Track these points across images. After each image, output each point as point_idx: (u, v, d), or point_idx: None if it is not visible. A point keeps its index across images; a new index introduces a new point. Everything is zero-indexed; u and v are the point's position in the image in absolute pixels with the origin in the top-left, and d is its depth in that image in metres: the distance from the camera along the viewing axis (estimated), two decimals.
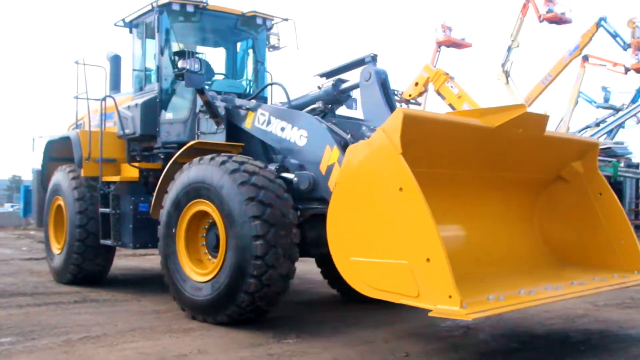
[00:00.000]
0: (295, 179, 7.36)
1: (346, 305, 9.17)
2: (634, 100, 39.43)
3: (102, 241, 9.68)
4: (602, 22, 37.64)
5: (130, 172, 9.52)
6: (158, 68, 9.44)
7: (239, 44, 10.68)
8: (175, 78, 8.61)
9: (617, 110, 37.91)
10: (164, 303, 8.81)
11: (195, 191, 7.38)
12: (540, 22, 39.62)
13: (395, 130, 5.31)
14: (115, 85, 11.15)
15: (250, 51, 10.55)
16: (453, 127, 6.10)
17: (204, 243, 7.69)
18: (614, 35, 38.27)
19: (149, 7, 9.54)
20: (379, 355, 6.21)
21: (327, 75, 8.45)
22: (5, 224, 28.94)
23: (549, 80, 37.25)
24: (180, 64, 8.15)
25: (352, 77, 8.33)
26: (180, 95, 9.40)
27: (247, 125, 8.33)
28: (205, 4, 9.49)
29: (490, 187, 7.12)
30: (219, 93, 9.11)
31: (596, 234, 7.31)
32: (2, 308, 8.42)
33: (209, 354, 6.21)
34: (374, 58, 7.73)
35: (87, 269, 10.08)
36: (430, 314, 5.05)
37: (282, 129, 7.77)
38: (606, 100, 41.17)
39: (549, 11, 39.41)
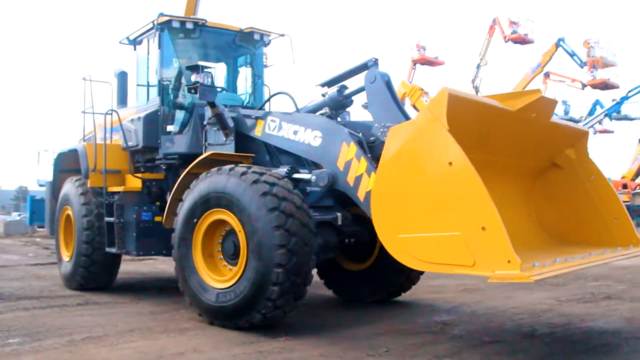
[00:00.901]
0: (313, 177, 7.19)
1: (331, 305, 9.14)
2: (590, 113, 40.16)
3: (108, 249, 9.49)
4: (561, 43, 38.25)
5: (134, 182, 9.42)
6: (159, 82, 9.28)
7: (237, 59, 10.54)
8: (188, 91, 8.46)
9: (576, 122, 38.26)
10: (161, 305, 8.76)
11: (214, 200, 7.11)
12: (506, 42, 40.10)
13: (442, 108, 5.24)
14: (122, 100, 11.03)
15: (249, 66, 10.42)
16: (487, 109, 5.97)
17: (220, 249, 7.42)
18: (572, 55, 38.91)
19: (151, 25, 9.44)
20: (362, 351, 6.17)
21: (329, 83, 8.32)
22: (13, 232, 28.58)
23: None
24: (193, 77, 7.98)
25: (350, 83, 8.30)
26: (179, 108, 9.29)
27: (257, 133, 8.15)
28: (204, 21, 9.41)
29: (497, 172, 6.91)
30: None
31: (591, 215, 7.25)
32: (10, 311, 8.31)
33: (204, 352, 6.16)
34: (376, 62, 7.63)
35: (95, 276, 9.90)
36: (489, 280, 4.99)
37: (295, 132, 7.63)
38: (566, 112, 41.71)
39: (514, 32, 39.96)
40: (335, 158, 7.03)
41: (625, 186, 28.76)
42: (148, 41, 9.71)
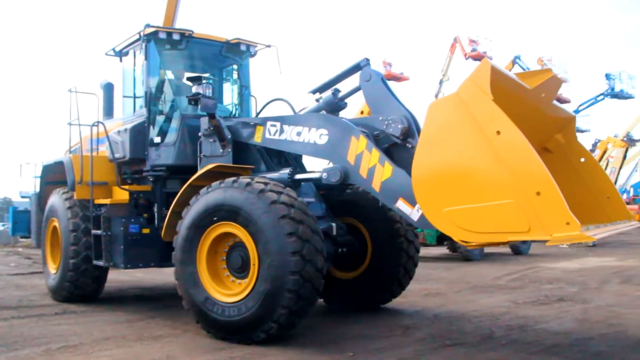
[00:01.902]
0: (324, 174, 6.96)
1: None
2: None
3: (95, 262, 8.98)
4: (517, 60, 38.82)
5: (121, 194, 8.96)
6: (146, 94, 8.86)
7: (223, 70, 10.17)
8: (189, 103, 7.99)
9: None
10: (137, 313, 8.60)
11: (223, 213, 6.71)
12: (466, 59, 40.51)
13: (485, 79, 5.04)
14: (109, 111, 10.55)
15: (235, 76, 10.04)
16: (514, 85, 5.75)
17: (225, 266, 7.01)
18: (527, 71, 39.31)
19: (137, 37, 9.02)
20: (329, 356, 6.13)
21: (321, 89, 8.01)
22: None
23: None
24: (194, 89, 7.62)
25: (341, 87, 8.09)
26: (167, 120, 8.90)
27: (256, 139, 7.83)
28: (191, 32, 8.98)
29: None
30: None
31: (584, 195, 7.05)
32: None
33: (176, 358, 6.06)
34: (368, 61, 7.42)
35: (82, 288, 9.38)
36: (547, 244, 4.89)
37: (298, 134, 7.36)
38: None
39: (473, 50, 40.43)
40: (345, 153, 6.78)
41: None
42: (134, 52, 9.31)
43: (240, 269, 6.80)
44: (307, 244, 6.27)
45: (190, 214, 7.02)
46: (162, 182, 8.84)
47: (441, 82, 40.83)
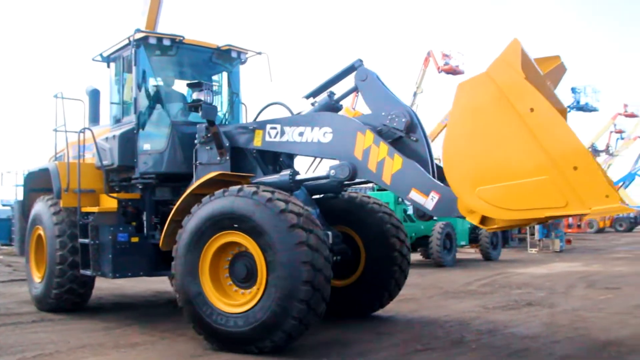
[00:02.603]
0: (332, 171, 6.68)
1: None
2: None
3: (82, 271, 8.49)
4: None
5: (109, 202, 8.45)
6: (135, 100, 8.39)
7: (221, 76, 9.67)
8: (189, 109, 7.76)
9: None
10: (115, 320, 8.41)
11: (227, 222, 6.39)
12: (439, 72, 40.76)
13: (516, 58, 4.91)
14: (95, 118, 10.01)
15: (226, 83, 9.57)
16: (534, 69, 5.55)
17: (228, 275, 6.67)
18: None
19: (126, 42, 8.59)
20: None
21: (315, 93, 7.72)
22: None
23: (448, 120, 38.31)
24: (195, 95, 7.28)
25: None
26: (157, 127, 8.44)
27: (256, 143, 7.51)
28: (181, 38, 8.56)
29: None
30: (197, 124, 8.22)
31: None
32: None
33: None
34: (362, 62, 7.24)
35: (68, 297, 8.87)
36: (587, 217, 4.87)
37: (301, 134, 7.10)
38: None
39: (446, 64, 40.70)
40: (352, 149, 6.57)
41: None
42: (123, 58, 8.89)
43: (244, 279, 6.49)
44: (317, 254, 6.03)
45: (193, 222, 6.66)
46: (151, 189, 8.48)
47: (415, 94, 40.98)
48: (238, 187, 6.48)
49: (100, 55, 9.25)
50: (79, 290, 8.93)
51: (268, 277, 6.10)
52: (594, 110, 41.63)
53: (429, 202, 6.00)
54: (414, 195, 6.11)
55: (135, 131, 8.40)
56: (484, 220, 5.40)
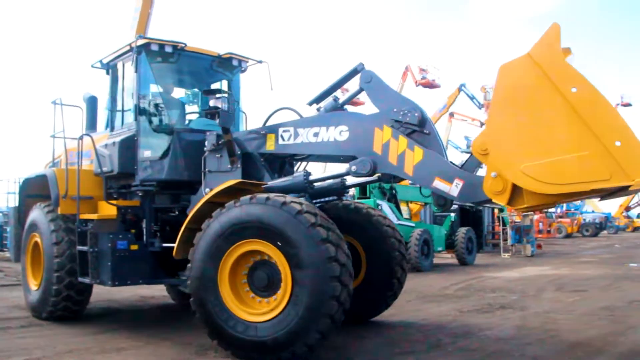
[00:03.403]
0: (354, 167, 6.42)
1: None
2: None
3: (81, 279, 8.08)
4: (463, 87, 39.60)
5: (108, 209, 8.02)
6: (136, 107, 7.99)
7: (214, 85, 9.20)
8: (205, 116, 7.30)
9: None
10: (102, 325, 8.26)
11: (249, 231, 6.09)
12: (417, 86, 41.09)
13: (557, 41, 4.96)
14: (92, 125, 9.62)
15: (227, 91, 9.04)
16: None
17: (246, 281, 6.32)
18: (471, 98, 40.33)
19: (127, 48, 8.20)
20: None
21: (319, 99, 7.40)
22: None
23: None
24: (212, 102, 6.88)
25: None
26: (158, 134, 8.01)
27: (269, 147, 7.21)
28: (183, 45, 8.15)
29: None
30: (198, 131, 8.02)
31: None
32: None
33: None
34: (363, 65, 7.00)
35: (65, 306, 8.39)
36: (631, 189, 4.85)
37: (316, 134, 6.86)
38: (468, 146, 42.87)
39: (423, 78, 41.07)
40: (370, 144, 6.40)
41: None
42: (123, 64, 8.47)
43: (265, 288, 6.20)
44: (345, 269, 5.81)
45: (214, 228, 6.30)
46: (151, 197, 8.09)
47: None
48: (266, 195, 6.18)
49: (100, 62, 8.87)
50: (76, 298, 8.47)
51: (293, 288, 5.83)
52: None
53: (454, 189, 5.91)
54: (438, 183, 6.01)
55: (135, 138, 8.03)
56: (511, 200, 5.42)
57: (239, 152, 7.24)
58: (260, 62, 8.95)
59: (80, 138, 8.44)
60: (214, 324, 6.20)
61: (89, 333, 7.71)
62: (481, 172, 5.83)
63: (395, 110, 6.45)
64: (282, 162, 7.77)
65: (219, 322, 6.15)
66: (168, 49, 8.12)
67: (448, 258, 21.39)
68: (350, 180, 7.56)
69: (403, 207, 19.04)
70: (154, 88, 8.25)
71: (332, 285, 5.68)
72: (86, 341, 7.20)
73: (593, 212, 55.04)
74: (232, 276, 6.27)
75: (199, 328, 6.39)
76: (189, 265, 6.46)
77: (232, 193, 6.67)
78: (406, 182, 16.00)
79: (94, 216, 8.06)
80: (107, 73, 8.91)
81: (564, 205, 50.07)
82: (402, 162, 6.22)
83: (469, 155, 6.13)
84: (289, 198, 6.13)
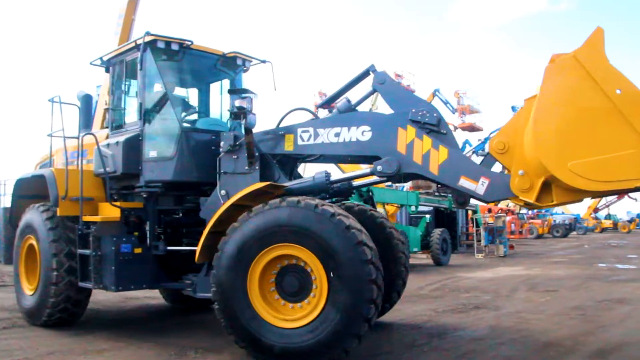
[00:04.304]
0: (379, 166, 6.27)
1: None
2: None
3: (82, 284, 7.67)
4: (437, 92, 39.91)
5: (112, 211, 7.58)
6: (141, 105, 7.59)
7: (218, 83, 8.80)
8: (230, 117, 7.00)
9: None
10: (83, 327, 8.10)
11: (279, 234, 5.87)
12: None
13: (601, 44, 5.08)
14: (87, 124, 9.13)
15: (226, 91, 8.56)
16: None
17: (274, 289, 6.06)
18: (445, 102, 40.71)
19: (131, 45, 7.80)
20: None
21: (330, 101, 7.38)
22: None
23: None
24: (237, 102, 6.55)
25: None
26: (164, 133, 7.60)
27: (287, 148, 6.96)
28: (190, 43, 7.75)
29: None
30: (206, 131, 7.77)
31: None
32: None
33: None
34: (375, 67, 6.87)
35: (63, 312, 7.90)
36: None
37: (337, 135, 6.66)
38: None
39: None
40: (394, 144, 6.29)
41: (490, 210, 29.89)
42: (126, 62, 8.04)
43: (295, 293, 5.98)
44: (379, 271, 5.70)
45: (242, 234, 6.02)
46: (154, 199, 7.72)
47: (370, 111, 41.35)
48: (296, 198, 6.00)
49: (100, 59, 8.45)
50: (74, 304, 7.99)
51: (330, 292, 5.66)
52: None
53: (480, 187, 5.90)
54: (464, 182, 5.97)
55: (140, 138, 7.61)
56: (539, 197, 5.52)
57: (257, 154, 6.96)
58: (264, 61, 8.65)
59: (83, 136, 8.02)
60: (245, 332, 5.92)
61: (70, 334, 7.58)
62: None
63: (414, 110, 6.39)
64: (294, 164, 7.56)
65: (251, 331, 5.89)
66: (174, 47, 7.72)
67: (423, 258, 21.53)
68: (355, 180, 7.40)
69: (380, 208, 19.10)
70: (158, 86, 7.84)
71: (369, 287, 5.56)
72: (68, 342, 7.09)
73: (563, 213, 55.93)
74: (260, 282, 6.02)
75: (180, 329, 6.35)
76: (213, 271, 6.16)
77: (253, 195, 6.43)
78: (382, 185, 16.08)
79: (97, 218, 7.61)
80: (107, 71, 8.53)
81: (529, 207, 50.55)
82: (427, 161, 6.17)
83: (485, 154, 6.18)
84: (318, 200, 6.00)
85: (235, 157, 7.03)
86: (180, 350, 6.60)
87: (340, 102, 7.10)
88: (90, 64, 8.57)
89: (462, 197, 6.33)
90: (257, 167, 6.91)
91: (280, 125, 7.20)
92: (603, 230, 60.33)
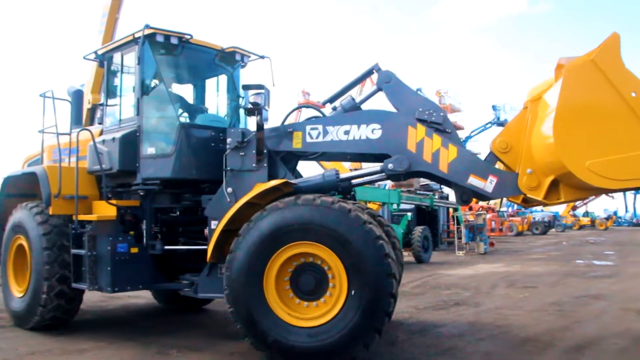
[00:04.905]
0: (390, 165, 6.30)
1: (216, 321, 8.74)
2: None
3: (76, 285, 7.39)
4: (419, 91, 39.77)
5: (108, 210, 7.33)
6: (138, 101, 7.31)
7: (217, 79, 8.55)
8: (245, 113, 6.85)
9: None
10: (63, 326, 7.95)
11: (295, 233, 5.79)
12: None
13: (617, 49, 5.29)
14: (77, 120, 8.82)
15: (230, 86, 8.47)
16: None
17: (289, 287, 5.96)
18: None
19: (128, 39, 7.48)
20: None
21: (334, 99, 7.23)
22: None
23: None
24: (252, 98, 6.41)
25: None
26: (163, 130, 7.39)
27: (295, 145, 6.84)
28: (190, 37, 7.51)
29: None
30: (204, 127, 7.61)
31: None
32: None
33: None
34: (379, 66, 6.86)
35: (55, 314, 7.57)
36: None
37: (346, 132, 6.62)
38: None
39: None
40: (404, 143, 6.33)
41: (471, 208, 30.15)
42: (122, 56, 7.74)
43: (311, 291, 5.91)
44: (395, 265, 5.75)
45: (257, 233, 5.89)
46: (151, 197, 7.48)
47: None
48: (313, 196, 5.95)
49: (95, 52, 8.12)
50: (66, 307, 7.66)
51: (350, 289, 5.65)
52: None
53: (488, 185, 6.04)
54: (473, 180, 6.09)
55: (137, 134, 7.35)
56: (547, 195, 5.74)
57: (266, 151, 6.81)
58: (262, 57, 8.42)
59: (79, 132, 7.72)
60: (263, 334, 5.80)
61: (51, 334, 7.49)
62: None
63: (420, 109, 6.43)
64: (296, 162, 7.46)
65: (270, 333, 5.78)
66: (174, 41, 7.47)
67: (405, 256, 21.52)
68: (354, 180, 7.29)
69: None
70: (157, 81, 7.58)
71: (389, 282, 5.58)
72: (48, 343, 7.02)
73: (542, 211, 56.51)
74: (276, 282, 5.94)
75: (163, 328, 6.32)
76: (226, 274, 5.99)
77: (262, 192, 6.32)
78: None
79: (93, 217, 7.34)
80: (101, 65, 8.22)
81: (515, 204, 51.09)
82: (437, 159, 6.26)
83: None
84: (335, 198, 6.01)
85: (243, 154, 6.84)
86: (162, 349, 6.58)
87: (344, 100, 7.08)
88: (84, 58, 8.32)
89: (466, 195, 6.43)
90: (265, 164, 6.79)
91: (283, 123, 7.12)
92: (581, 227, 61.12)
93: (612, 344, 6.86)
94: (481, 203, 37.07)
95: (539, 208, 57.63)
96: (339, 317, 5.66)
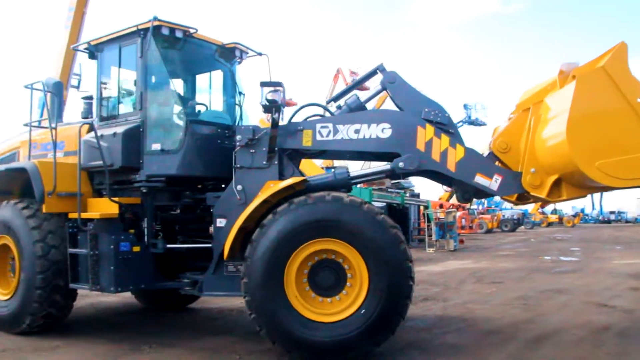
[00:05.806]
0: (401, 163, 6.45)
1: (189, 316, 8.83)
2: None
3: (74, 285, 7.12)
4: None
5: (110, 207, 7.07)
6: (141, 95, 7.08)
7: (219, 75, 8.33)
8: (263, 110, 6.67)
9: None
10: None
11: (315, 230, 5.91)
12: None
13: (625, 58, 5.68)
14: (59, 113, 8.36)
15: (230, 82, 8.26)
16: None
17: (307, 280, 6.02)
18: None
19: (131, 30, 7.19)
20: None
21: (338, 98, 7.39)
22: None
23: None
24: (270, 96, 6.32)
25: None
26: (167, 125, 7.23)
27: (305, 143, 6.83)
28: (195, 31, 7.35)
29: None
30: (211, 124, 7.48)
31: None
32: None
33: None
34: (384, 66, 6.98)
35: (47, 318, 7.25)
36: None
37: (357, 131, 6.69)
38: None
39: (353, 80, 41.34)
40: (414, 142, 6.49)
41: (441, 206, 30.63)
42: (120, 48, 7.41)
43: (330, 287, 6.03)
44: (408, 250, 6.05)
45: (277, 231, 5.94)
46: (153, 194, 7.29)
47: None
48: (335, 194, 6.11)
49: (87, 43, 7.73)
50: (60, 309, 7.36)
51: (371, 279, 5.86)
52: (483, 124, 43.78)
53: (494, 183, 6.32)
54: (479, 179, 6.36)
55: (140, 129, 7.10)
56: (550, 193, 6.13)
57: (277, 149, 6.78)
58: (260, 54, 8.33)
59: (81, 126, 7.45)
60: (287, 332, 5.86)
61: (22, 332, 7.46)
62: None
63: (426, 110, 6.60)
64: (299, 159, 7.42)
65: (293, 330, 5.84)
66: (178, 34, 7.26)
67: None
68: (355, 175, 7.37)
69: None
70: (161, 75, 7.34)
71: (408, 266, 5.90)
72: (20, 340, 7.01)
73: (512, 208, 57.56)
74: (296, 280, 5.98)
75: (135, 325, 6.37)
76: (245, 271, 6.00)
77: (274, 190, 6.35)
78: None
79: (95, 215, 7.04)
80: (92, 57, 7.79)
81: (485, 202, 52.06)
82: (445, 159, 6.47)
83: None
84: (344, 193, 6.27)
85: (253, 151, 6.77)
86: (134, 345, 6.64)
87: (350, 99, 7.17)
88: (73, 48, 8.12)
89: (468, 194, 6.69)
90: (275, 162, 6.77)
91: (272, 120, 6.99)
92: (549, 224, 62.50)
93: (572, 335, 7.16)
94: (452, 201, 37.67)
95: (508, 205, 58.72)
96: (364, 306, 5.87)
